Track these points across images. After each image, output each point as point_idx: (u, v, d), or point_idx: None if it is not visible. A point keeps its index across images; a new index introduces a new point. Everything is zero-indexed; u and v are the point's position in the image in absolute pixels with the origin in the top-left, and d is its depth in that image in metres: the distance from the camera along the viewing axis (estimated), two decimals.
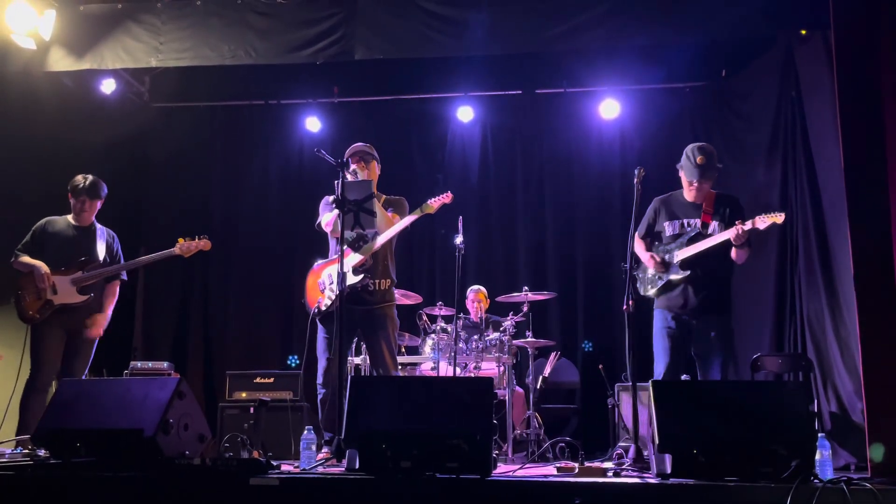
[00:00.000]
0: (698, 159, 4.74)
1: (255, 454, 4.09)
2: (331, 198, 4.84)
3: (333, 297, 4.77)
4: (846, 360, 5.56)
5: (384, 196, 5.03)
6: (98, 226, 5.49)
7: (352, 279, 4.73)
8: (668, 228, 4.88)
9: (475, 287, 6.97)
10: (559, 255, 7.74)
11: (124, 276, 5.53)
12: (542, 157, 7.92)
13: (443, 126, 8.07)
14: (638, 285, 4.96)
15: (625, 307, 4.45)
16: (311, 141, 7.93)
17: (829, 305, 5.77)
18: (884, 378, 3.83)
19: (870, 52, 4.16)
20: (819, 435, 3.49)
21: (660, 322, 4.83)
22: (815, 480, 3.16)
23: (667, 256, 4.80)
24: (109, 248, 5.47)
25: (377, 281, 4.86)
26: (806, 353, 5.90)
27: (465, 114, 7.79)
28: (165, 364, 6.50)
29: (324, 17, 5.88)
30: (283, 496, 3.36)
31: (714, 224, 4.76)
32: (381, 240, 4.84)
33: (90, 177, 5.39)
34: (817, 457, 3.38)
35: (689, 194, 4.89)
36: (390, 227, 4.85)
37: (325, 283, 4.91)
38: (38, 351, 5.18)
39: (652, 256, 4.83)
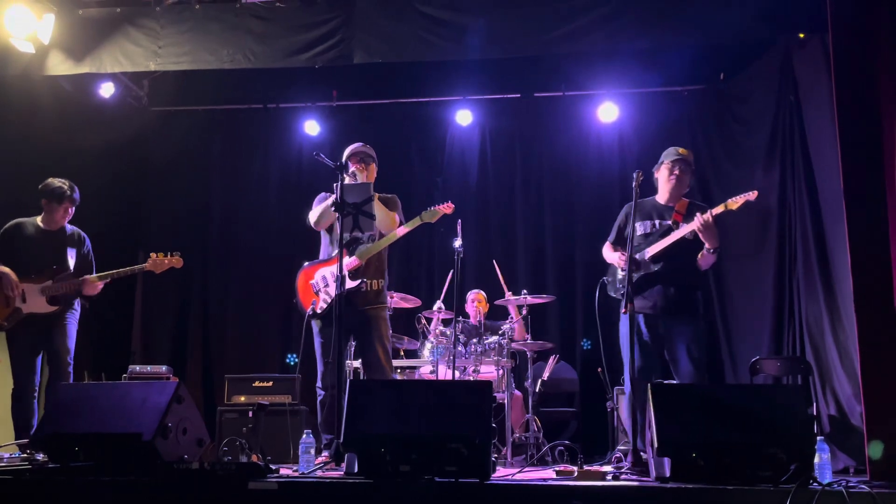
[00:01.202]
0: (681, 150, 4.89)
1: (254, 458, 4.09)
2: (330, 199, 4.83)
3: (329, 300, 4.78)
4: (845, 363, 5.56)
5: (377, 194, 5.04)
6: (68, 228, 5.42)
7: (348, 283, 4.73)
8: (639, 228, 4.85)
9: (475, 290, 6.97)
10: (558, 258, 7.73)
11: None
12: (540, 161, 7.92)
13: (441, 129, 8.07)
14: (609, 290, 4.98)
15: (623, 310, 4.46)
16: (309, 144, 7.93)
17: (828, 309, 5.77)
18: (882, 381, 3.84)
19: (868, 56, 4.18)
20: (818, 438, 3.49)
21: (626, 326, 4.81)
22: (814, 484, 3.16)
23: (637, 255, 4.76)
24: (79, 252, 5.41)
25: (369, 281, 4.86)
26: (805, 357, 5.90)
27: (463, 117, 7.79)
28: (164, 367, 6.49)
29: (322, 21, 5.88)
30: (281, 500, 3.36)
31: (685, 225, 4.77)
32: (381, 245, 4.86)
33: (67, 181, 5.35)
34: (816, 460, 3.39)
35: (662, 194, 4.93)
36: (391, 226, 4.88)
37: (318, 285, 4.92)
38: (14, 361, 5.17)
39: (622, 255, 4.80)
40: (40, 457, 4.24)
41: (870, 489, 3.05)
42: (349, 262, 4.82)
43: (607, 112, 7.51)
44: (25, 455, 4.51)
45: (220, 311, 7.93)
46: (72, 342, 5.26)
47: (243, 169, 8.15)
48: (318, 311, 4.85)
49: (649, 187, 4.97)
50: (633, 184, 4.51)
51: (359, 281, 4.79)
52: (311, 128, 7.91)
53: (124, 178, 7.58)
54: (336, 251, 4.70)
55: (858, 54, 4.20)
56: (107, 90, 7.17)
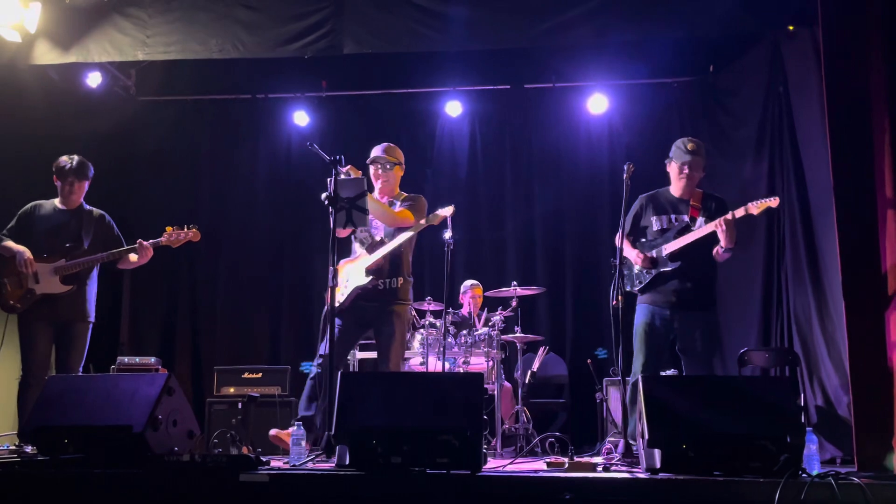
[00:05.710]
0: (689, 146, 4.80)
1: (245, 450, 4.09)
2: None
3: (346, 294, 4.88)
4: (832, 354, 5.60)
5: (403, 193, 5.11)
6: (87, 207, 5.29)
7: (363, 280, 4.85)
8: (654, 223, 4.88)
9: (472, 282, 6.93)
10: (548, 249, 7.74)
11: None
12: (530, 152, 7.91)
13: (431, 120, 8.05)
14: (625, 282, 4.98)
15: (613, 302, 4.47)
16: (298, 135, 7.91)
17: (816, 300, 5.80)
18: (870, 372, 3.87)
19: (857, 48, 4.19)
20: (806, 429, 3.52)
21: (642, 318, 4.82)
22: (804, 475, 3.18)
23: (654, 252, 4.80)
24: (100, 231, 5.25)
25: (387, 280, 4.90)
26: (792, 348, 5.93)
27: (453, 108, 7.78)
28: (153, 359, 6.47)
29: (312, 11, 5.84)
30: (273, 492, 3.35)
31: (701, 220, 4.77)
32: (392, 244, 4.92)
33: (76, 157, 5.22)
34: (805, 451, 3.41)
35: (676, 188, 4.90)
36: (397, 223, 4.92)
37: (341, 280, 4.92)
38: (25, 346, 5.01)
39: (639, 253, 4.83)
40: (29, 449, 4.22)
41: (858, 480, 3.08)
42: (369, 260, 4.91)
43: (597, 103, 7.51)
44: (14, 447, 4.48)
45: (209, 301, 7.90)
46: (83, 357, 5.14)
47: (232, 159, 8.10)
48: (336, 305, 4.86)
49: (641, 178, 4.94)
50: (624, 176, 4.51)
51: (370, 277, 4.84)
52: (301, 118, 7.88)
53: (111, 169, 7.49)
54: (361, 249, 4.96)
55: (848, 47, 4.21)
56: (94, 80, 7.12)
